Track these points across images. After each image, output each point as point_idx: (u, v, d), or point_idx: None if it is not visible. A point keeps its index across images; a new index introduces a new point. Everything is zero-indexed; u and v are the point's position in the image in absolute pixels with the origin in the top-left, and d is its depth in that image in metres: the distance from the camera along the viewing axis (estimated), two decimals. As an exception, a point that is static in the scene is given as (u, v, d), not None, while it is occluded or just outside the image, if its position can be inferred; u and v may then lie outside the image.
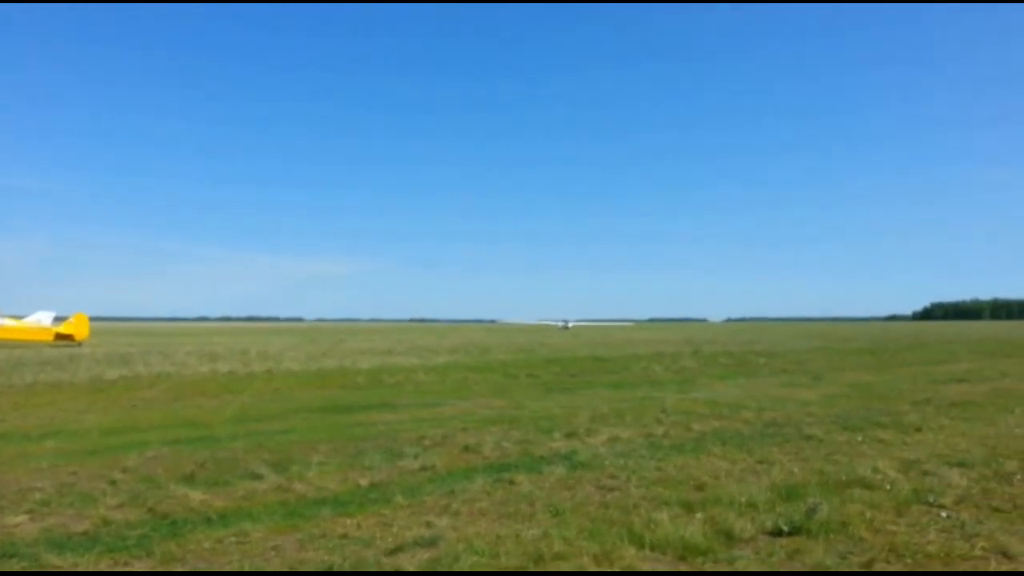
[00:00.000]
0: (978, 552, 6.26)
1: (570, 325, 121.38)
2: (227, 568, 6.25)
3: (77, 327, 53.40)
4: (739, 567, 5.97)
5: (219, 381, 24.70)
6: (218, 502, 8.39)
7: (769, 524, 7.02)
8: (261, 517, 7.69)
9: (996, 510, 7.59)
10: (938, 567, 5.94)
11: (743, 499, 7.93)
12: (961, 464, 9.69)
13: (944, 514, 7.41)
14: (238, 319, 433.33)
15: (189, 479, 9.54)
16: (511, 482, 9.08)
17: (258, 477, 9.52)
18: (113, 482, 9.40)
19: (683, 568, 6.06)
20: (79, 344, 51.21)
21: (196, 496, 8.55)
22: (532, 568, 6.00)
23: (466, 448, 11.54)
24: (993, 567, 5.87)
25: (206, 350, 45.51)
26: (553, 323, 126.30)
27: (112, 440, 12.89)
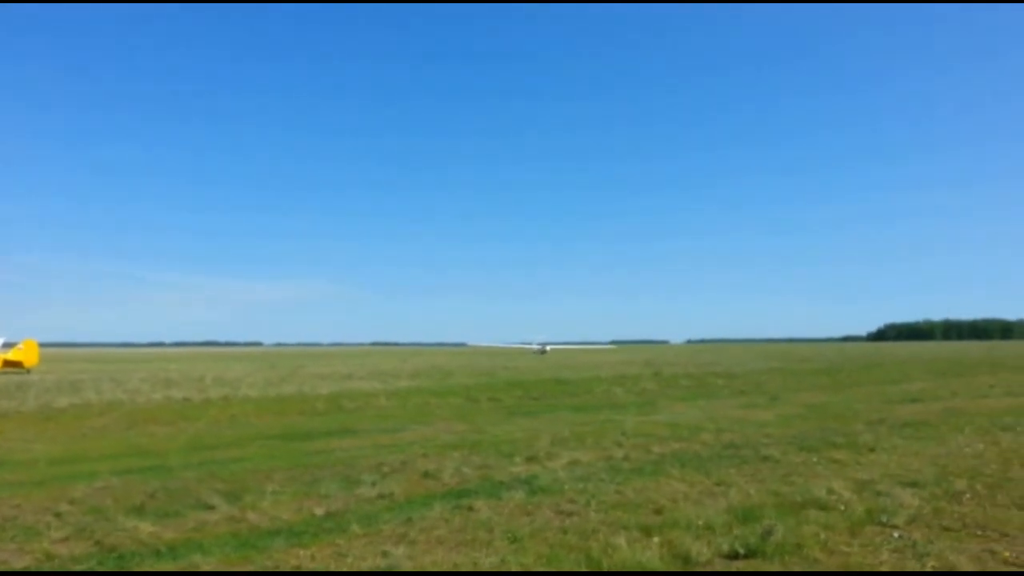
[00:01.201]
0: (928, 571, 6.36)
1: (548, 349, 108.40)
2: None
3: (26, 354, 51.92)
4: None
5: (173, 408, 24.14)
6: (168, 534, 8.18)
7: (726, 547, 7.06)
8: (212, 549, 7.51)
9: (946, 529, 7.74)
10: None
11: (700, 522, 7.97)
12: (913, 484, 9.87)
13: (896, 534, 7.53)
14: (194, 344, 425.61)
15: (139, 510, 9.29)
16: (470, 508, 9.00)
17: (210, 507, 9.30)
18: (59, 514, 9.11)
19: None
20: (28, 371, 49.79)
21: (145, 528, 8.32)
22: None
23: (425, 474, 11.43)
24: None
25: (160, 376, 44.52)
26: (528, 346, 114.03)
27: (60, 470, 12.51)
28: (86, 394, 29.62)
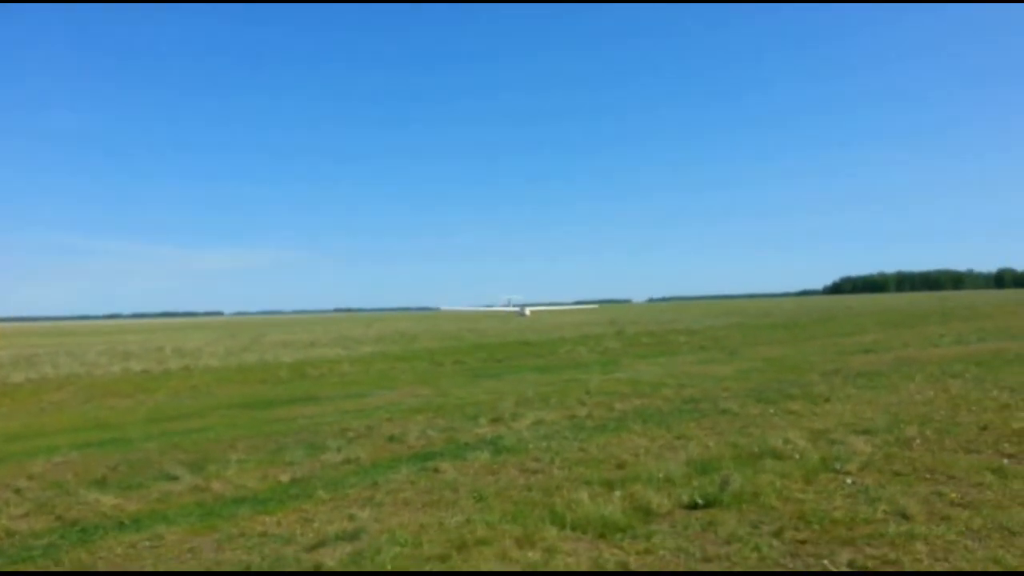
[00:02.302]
0: (879, 515, 6.59)
1: (528, 311, 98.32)
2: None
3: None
4: (655, 542, 6.14)
5: (133, 380, 23.82)
6: (131, 506, 8.13)
7: (685, 498, 7.24)
8: (177, 519, 7.49)
9: (897, 474, 8.01)
10: (842, 532, 6.24)
11: (661, 475, 8.14)
12: (866, 432, 10.18)
13: (849, 480, 7.78)
14: (152, 315, 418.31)
15: (100, 483, 9.23)
16: (436, 470, 9.08)
17: (173, 478, 9.24)
18: (18, 490, 9.02)
19: (602, 545, 6.20)
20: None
21: (108, 501, 8.27)
22: (455, 555, 6.03)
23: (391, 438, 11.47)
24: (893, 529, 6.20)
25: (118, 349, 43.78)
26: (506, 309, 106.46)
27: (17, 446, 12.32)
28: (42, 368, 29.06)
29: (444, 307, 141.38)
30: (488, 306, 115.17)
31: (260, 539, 6.74)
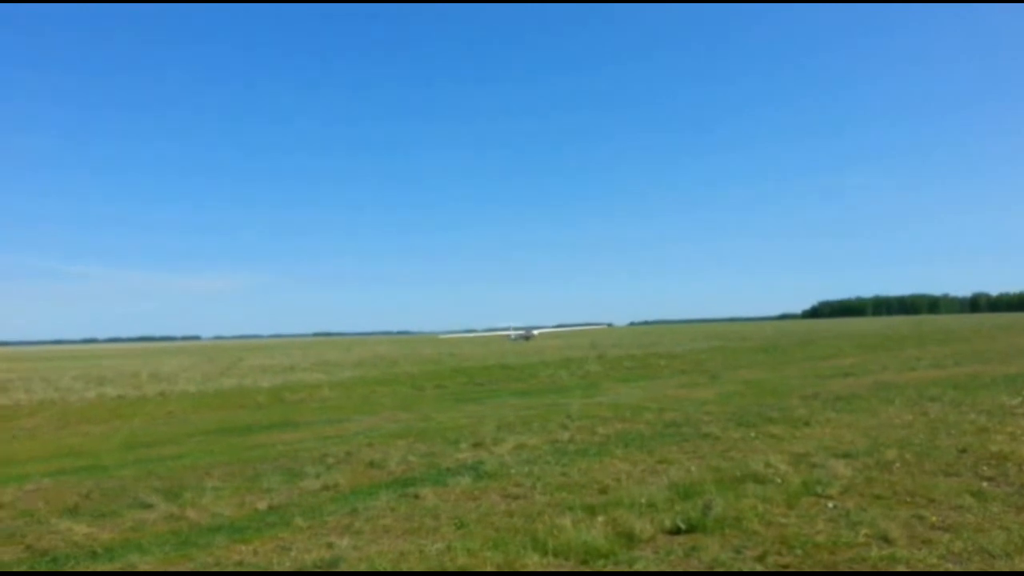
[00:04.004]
0: (861, 539, 6.59)
1: (535, 333, 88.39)
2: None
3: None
4: (639, 568, 6.08)
5: (108, 406, 23.41)
6: (104, 535, 7.95)
7: (668, 523, 7.20)
8: (151, 548, 7.33)
9: (878, 497, 8.03)
10: (825, 556, 6.23)
11: (643, 500, 8.11)
12: (846, 455, 10.22)
13: (831, 504, 7.79)
14: (129, 340, 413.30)
15: (72, 512, 9.03)
16: (416, 496, 8.98)
17: (148, 506, 9.06)
18: (-14, 520, 8.78)
19: (583, 569, 6.13)
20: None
21: (80, 529, 8.09)
22: (436, 583, 5.94)
23: (371, 464, 11.35)
24: (875, 553, 6.19)
25: (94, 374, 43.09)
26: (505, 333, 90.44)
27: (-14, 475, 12.02)
28: (15, 394, 28.48)
29: (442, 333, 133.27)
30: (489, 330, 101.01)
31: (236, 568, 6.60)
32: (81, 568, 6.83)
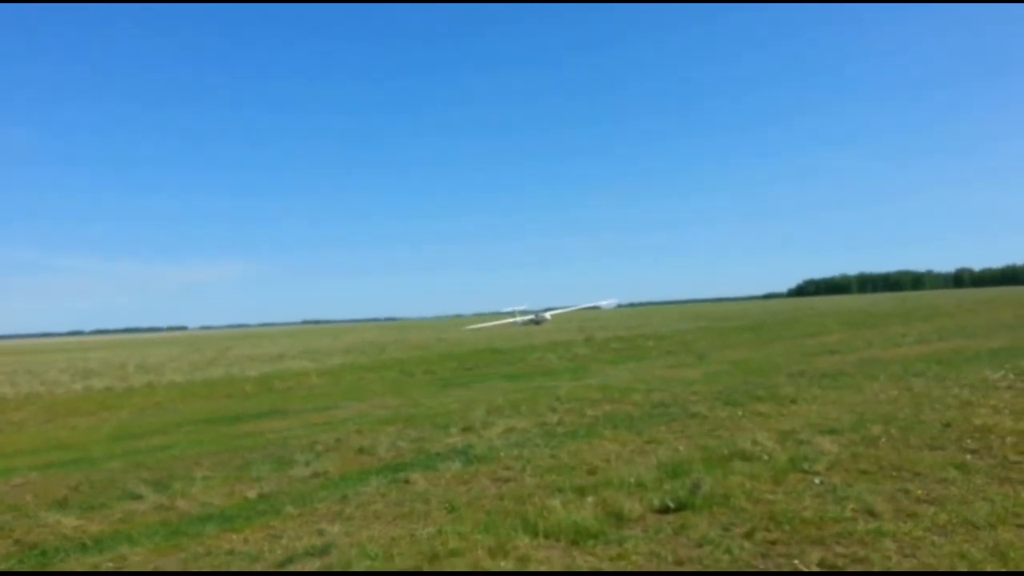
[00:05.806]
0: (848, 514, 6.66)
1: (548, 316, 76.80)
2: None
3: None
4: (628, 547, 6.13)
5: (95, 398, 23.31)
6: (94, 527, 7.92)
7: (657, 502, 7.25)
8: (141, 539, 7.30)
9: (863, 472, 8.11)
10: (812, 531, 6.29)
11: (632, 480, 8.15)
12: (832, 431, 10.30)
13: (818, 480, 7.86)
14: (115, 331, 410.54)
15: (61, 504, 8.99)
16: (406, 481, 8.99)
17: (137, 497, 9.03)
18: (-27, 516, 8.72)
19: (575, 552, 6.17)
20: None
21: (69, 522, 8.05)
22: (427, 567, 5.96)
23: (360, 450, 11.35)
24: (861, 527, 6.27)
25: (80, 366, 42.86)
26: (511, 318, 77.63)
27: (-28, 470, 11.93)
28: (1, 388, 28.30)
29: (450, 318, 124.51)
30: (510, 311, 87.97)
31: (227, 557, 6.59)
32: (71, 561, 6.80)
